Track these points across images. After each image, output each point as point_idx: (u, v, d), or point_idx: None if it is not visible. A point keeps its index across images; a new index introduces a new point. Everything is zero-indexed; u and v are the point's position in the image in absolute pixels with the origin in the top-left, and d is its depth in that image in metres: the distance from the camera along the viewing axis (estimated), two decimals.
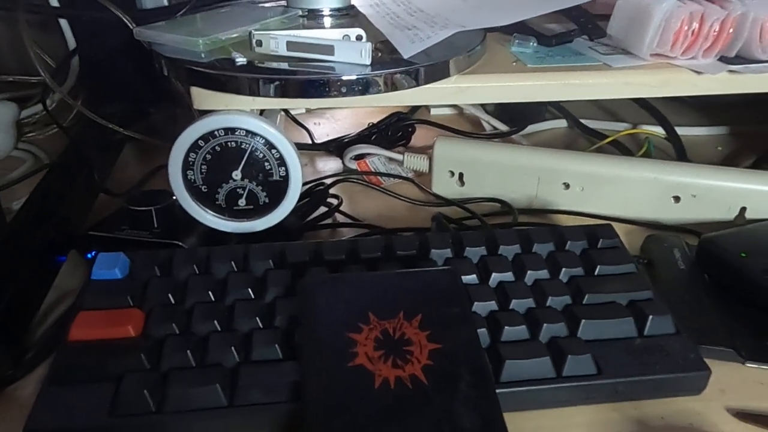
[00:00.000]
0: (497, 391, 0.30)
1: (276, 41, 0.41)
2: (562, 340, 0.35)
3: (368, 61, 0.40)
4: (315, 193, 0.52)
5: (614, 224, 0.44)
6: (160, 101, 0.61)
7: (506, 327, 0.35)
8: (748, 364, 0.37)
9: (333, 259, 0.40)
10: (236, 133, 0.41)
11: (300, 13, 0.49)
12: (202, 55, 0.42)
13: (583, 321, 0.36)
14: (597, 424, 0.33)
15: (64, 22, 0.64)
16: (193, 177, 0.43)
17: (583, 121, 0.67)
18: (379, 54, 0.43)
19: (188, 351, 0.33)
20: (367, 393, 0.30)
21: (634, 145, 0.63)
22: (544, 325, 0.35)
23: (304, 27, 0.48)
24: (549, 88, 0.44)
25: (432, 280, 0.35)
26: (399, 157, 0.58)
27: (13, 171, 0.60)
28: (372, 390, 0.30)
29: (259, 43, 0.42)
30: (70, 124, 0.65)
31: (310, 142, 0.65)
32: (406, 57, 0.41)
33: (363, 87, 0.40)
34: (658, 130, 0.63)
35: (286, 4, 0.51)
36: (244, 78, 0.40)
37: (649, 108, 0.66)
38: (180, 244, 0.43)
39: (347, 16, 0.50)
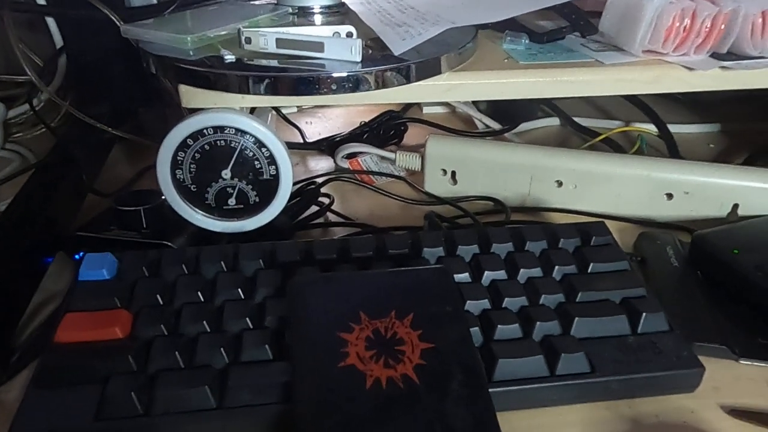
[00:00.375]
0: (490, 390, 0.30)
1: (265, 38, 0.41)
2: (556, 338, 0.35)
3: (358, 58, 0.40)
4: (306, 192, 0.52)
5: (607, 222, 0.44)
6: (149, 100, 0.60)
7: (499, 326, 0.35)
8: (742, 361, 0.37)
9: (324, 259, 0.40)
10: (225, 131, 0.41)
11: (290, 10, 0.49)
12: (191, 53, 0.42)
13: (576, 319, 0.35)
14: (591, 422, 0.33)
15: (51, 21, 0.64)
16: (182, 176, 0.42)
17: (575, 118, 0.67)
18: (370, 51, 0.42)
19: (177, 352, 0.33)
20: (358, 393, 0.29)
21: (626, 143, 0.63)
22: (537, 323, 0.35)
23: (294, 24, 0.48)
24: (541, 85, 0.44)
25: (424, 279, 0.35)
26: (391, 155, 0.58)
27: (0, 171, 0.59)
28: (363, 390, 0.29)
29: (249, 41, 0.41)
30: (57, 124, 0.65)
31: (301, 140, 0.64)
32: (396, 54, 0.41)
33: (353, 84, 0.40)
34: (651, 128, 0.63)
35: (276, 2, 0.51)
36: (233, 75, 0.40)
37: (641, 105, 0.66)
38: (169, 244, 0.42)
39: (338, 13, 0.50)
